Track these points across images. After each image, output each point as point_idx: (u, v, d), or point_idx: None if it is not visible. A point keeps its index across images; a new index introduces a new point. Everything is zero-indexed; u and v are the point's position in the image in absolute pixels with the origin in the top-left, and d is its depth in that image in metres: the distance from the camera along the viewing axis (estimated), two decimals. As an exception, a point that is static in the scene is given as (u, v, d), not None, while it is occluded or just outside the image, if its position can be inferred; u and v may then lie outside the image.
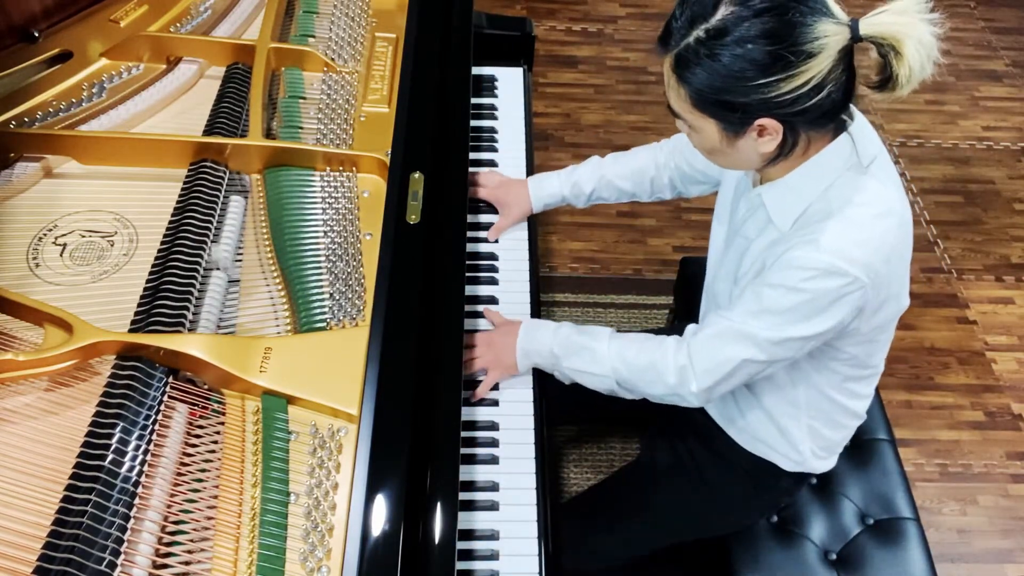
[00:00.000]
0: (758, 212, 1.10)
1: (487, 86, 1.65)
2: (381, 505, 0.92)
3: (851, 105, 1.01)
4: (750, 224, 1.13)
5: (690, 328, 1.16)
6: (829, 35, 0.90)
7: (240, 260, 1.17)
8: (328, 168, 1.27)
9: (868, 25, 0.91)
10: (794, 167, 1.04)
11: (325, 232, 1.18)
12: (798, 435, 1.25)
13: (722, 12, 0.92)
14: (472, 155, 1.47)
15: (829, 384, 1.19)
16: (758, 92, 0.92)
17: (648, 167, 1.42)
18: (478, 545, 1.07)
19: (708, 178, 1.38)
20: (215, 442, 0.96)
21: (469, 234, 1.33)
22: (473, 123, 1.52)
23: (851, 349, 1.12)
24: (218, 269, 1.12)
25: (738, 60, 0.91)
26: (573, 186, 1.44)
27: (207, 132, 1.26)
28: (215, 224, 1.16)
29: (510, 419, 1.21)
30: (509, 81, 1.66)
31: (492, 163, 1.51)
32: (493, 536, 1.07)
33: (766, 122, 0.95)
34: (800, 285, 1.00)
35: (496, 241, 1.42)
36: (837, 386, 1.19)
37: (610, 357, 1.18)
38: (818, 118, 0.97)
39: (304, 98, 1.36)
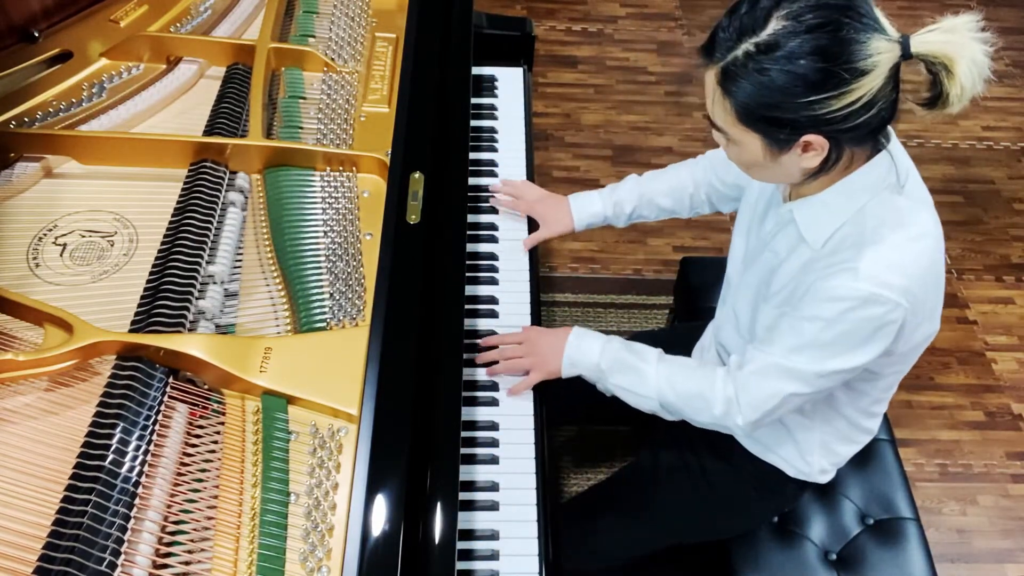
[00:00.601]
0: (788, 228, 1.09)
1: (487, 86, 1.64)
2: (381, 505, 0.92)
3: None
4: (780, 240, 1.11)
5: (734, 360, 1.15)
6: (882, 52, 0.88)
7: (239, 267, 1.17)
8: (328, 168, 1.27)
9: (920, 43, 0.88)
10: (832, 183, 1.01)
11: (325, 232, 1.18)
12: (810, 448, 1.25)
13: (773, 26, 0.89)
14: (472, 155, 1.47)
15: (852, 405, 1.19)
16: (808, 109, 0.90)
17: (687, 184, 1.41)
18: (478, 545, 1.07)
19: (740, 194, 1.35)
20: (215, 442, 0.96)
21: (469, 233, 1.33)
22: (473, 123, 1.52)
23: (885, 371, 1.12)
24: (215, 283, 1.11)
25: (788, 76, 0.88)
26: (615, 205, 1.42)
27: (207, 132, 1.26)
28: (214, 229, 1.16)
29: (510, 419, 1.21)
30: (509, 81, 1.66)
31: (492, 163, 1.51)
32: (493, 536, 1.07)
33: (813, 138, 0.93)
34: (840, 317, 0.98)
35: (496, 241, 1.42)
36: (859, 407, 1.19)
37: (658, 381, 1.17)
38: (865, 135, 0.95)
39: (304, 98, 1.36)
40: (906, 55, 0.89)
